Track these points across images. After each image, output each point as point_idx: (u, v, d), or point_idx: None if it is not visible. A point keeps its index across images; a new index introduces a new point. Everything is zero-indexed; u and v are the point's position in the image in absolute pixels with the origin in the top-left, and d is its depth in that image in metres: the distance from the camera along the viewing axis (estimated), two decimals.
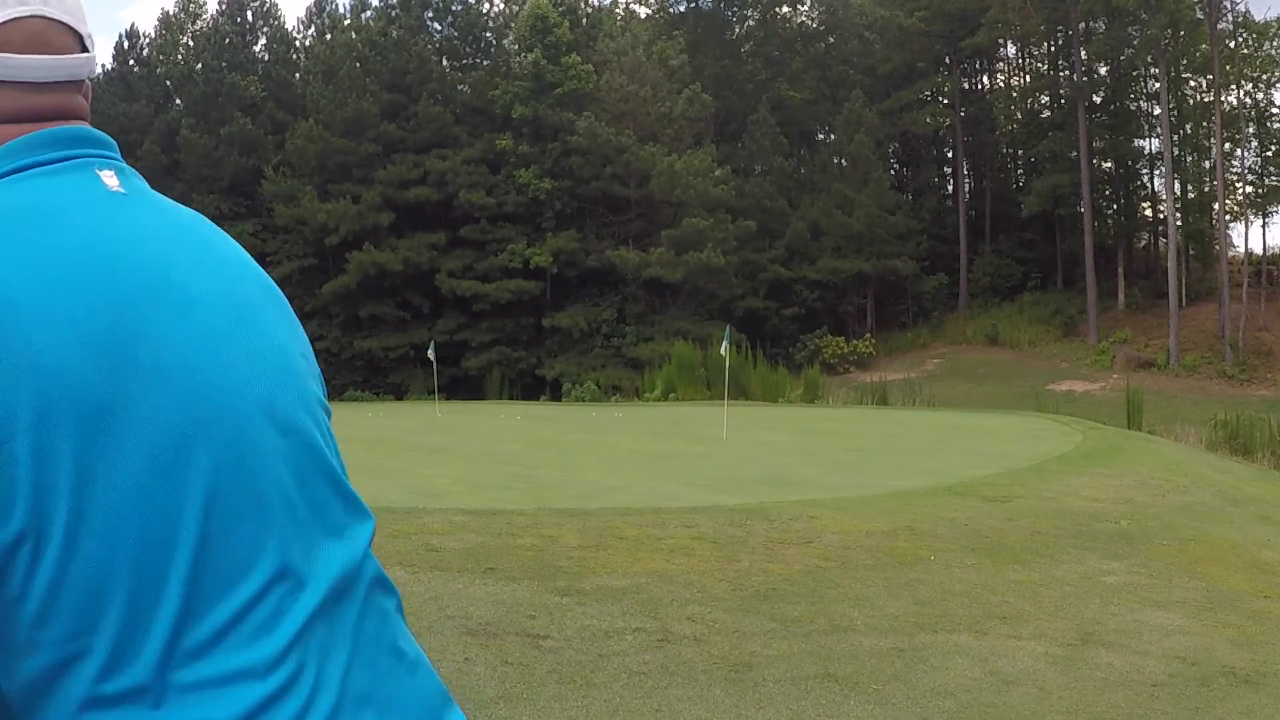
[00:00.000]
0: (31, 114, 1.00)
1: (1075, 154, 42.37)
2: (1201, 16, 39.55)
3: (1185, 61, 42.85)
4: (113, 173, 1.00)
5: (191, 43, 49.19)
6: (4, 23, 0.98)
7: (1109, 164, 45.83)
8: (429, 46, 44.98)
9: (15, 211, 0.91)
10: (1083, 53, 43.23)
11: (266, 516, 0.89)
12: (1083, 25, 43.62)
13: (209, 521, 0.86)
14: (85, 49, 1.07)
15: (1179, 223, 40.58)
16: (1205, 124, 43.48)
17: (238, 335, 0.95)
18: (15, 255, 0.86)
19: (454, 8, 46.58)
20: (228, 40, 46.88)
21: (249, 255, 1.07)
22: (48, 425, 0.81)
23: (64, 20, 1.05)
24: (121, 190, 0.98)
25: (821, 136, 51.77)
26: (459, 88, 44.91)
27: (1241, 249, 46.64)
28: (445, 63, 45.99)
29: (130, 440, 0.83)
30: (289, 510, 0.91)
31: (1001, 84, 53.61)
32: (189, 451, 0.86)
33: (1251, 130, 43.11)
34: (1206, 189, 44.40)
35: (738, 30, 51.65)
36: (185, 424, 0.87)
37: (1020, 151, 51.38)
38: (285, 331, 1.02)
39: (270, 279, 1.08)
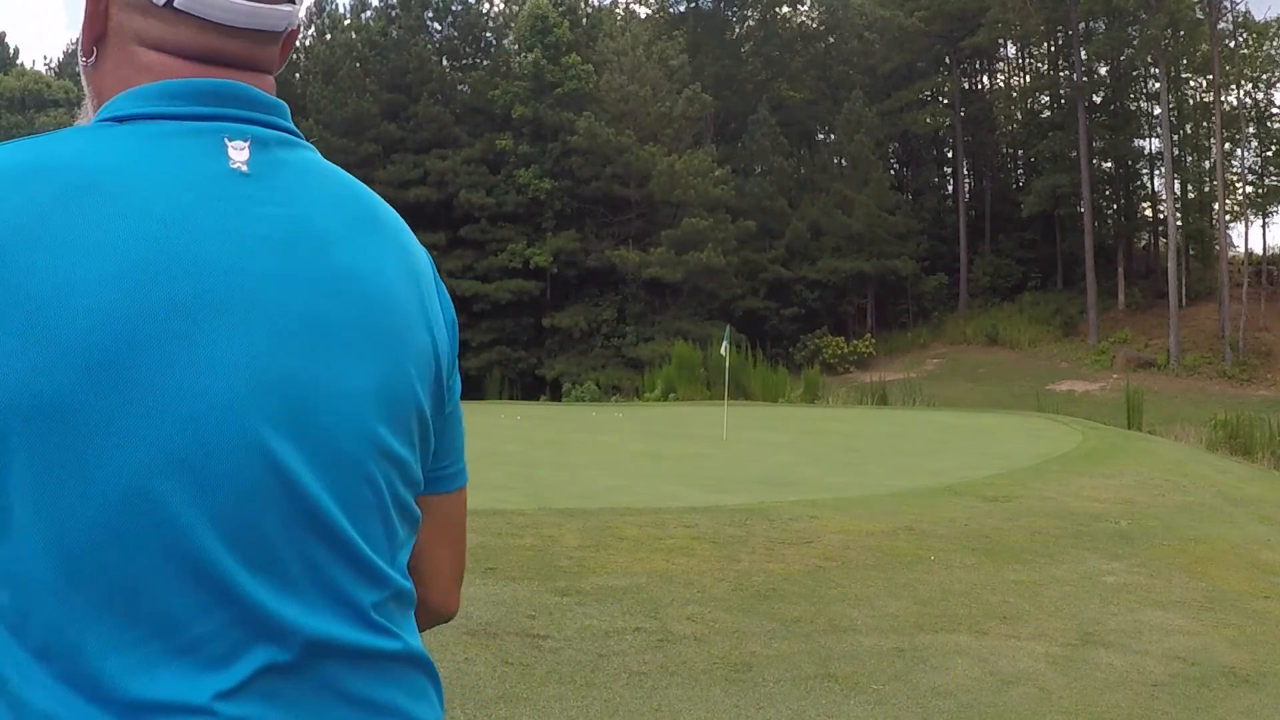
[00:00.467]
0: (204, 54, 0.91)
1: (1075, 154, 42.37)
2: (1201, 16, 39.54)
3: (1185, 61, 42.84)
4: (247, 143, 0.90)
5: None
6: None
7: (1109, 164, 45.83)
8: (429, 46, 44.98)
9: (84, 175, 0.82)
10: (1083, 53, 43.22)
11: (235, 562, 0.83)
12: (1083, 25, 43.61)
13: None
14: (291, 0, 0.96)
15: (1179, 223, 40.58)
16: (1205, 124, 43.48)
17: (273, 368, 0.85)
18: (56, 233, 0.79)
19: (454, 8, 46.57)
20: None
21: (406, 261, 0.98)
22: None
23: None
24: (245, 168, 0.89)
25: (821, 136, 51.76)
26: (459, 88, 44.92)
27: (1241, 249, 46.75)
28: (445, 63, 45.99)
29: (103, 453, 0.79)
30: (269, 558, 0.85)
31: (1001, 84, 53.61)
32: (168, 478, 0.80)
33: (1251, 130, 43.11)
34: (1206, 189, 44.40)
35: (738, 30, 51.65)
36: (172, 449, 0.80)
37: (1020, 151, 51.36)
38: (364, 367, 0.90)
39: (389, 288, 0.94)
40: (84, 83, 0.98)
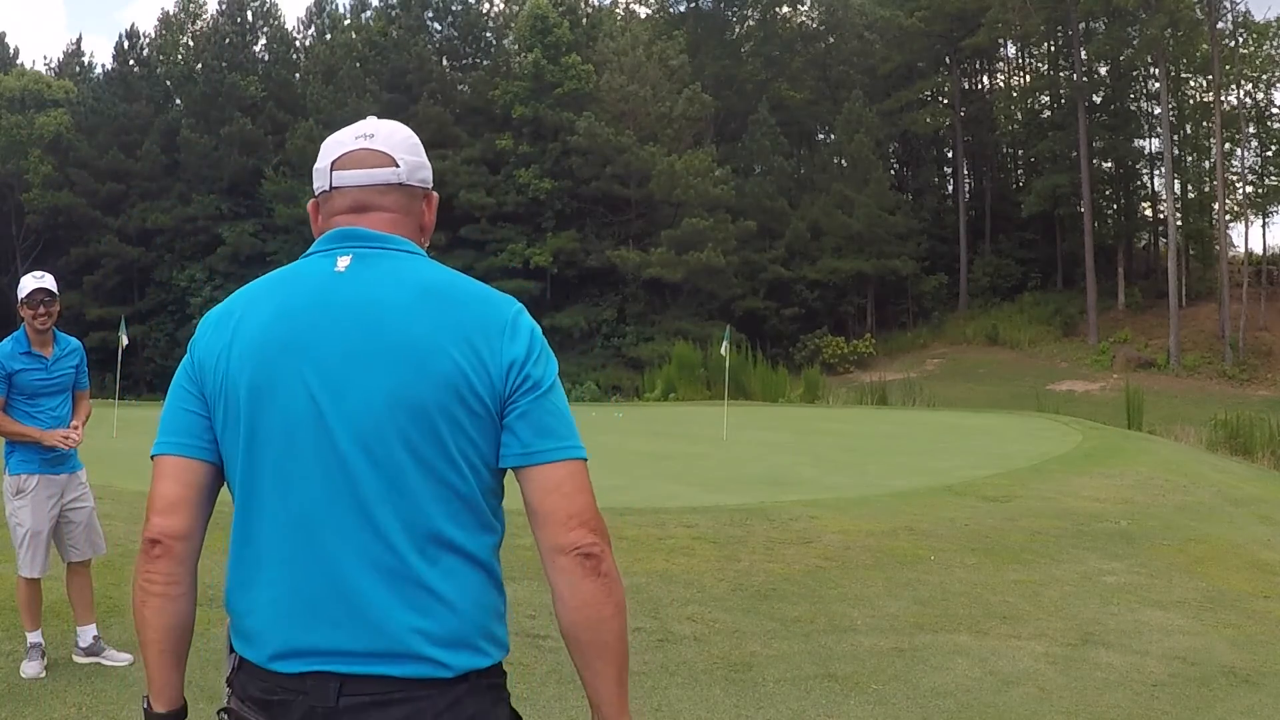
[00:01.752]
0: (340, 210, 1.65)
1: (1075, 154, 42.36)
2: (1201, 16, 39.52)
3: (1185, 61, 42.82)
4: (349, 258, 1.59)
5: (191, 43, 49.17)
6: (342, 155, 1.63)
7: (1109, 164, 45.81)
8: (429, 46, 44.96)
9: (278, 275, 1.63)
10: (1083, 53, 43.21)
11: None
12: (1083, 25, 43.60)
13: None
14: (386, 164, 1.64)
15: (1179, 223, 40.57)
16: (1205, 124, 43.46)
17: (324, 381, 1.51)
18: (259, 297, 1.60)
19: (454, 8, 46.56)
20: (228, 40, 46.86)
21: (423, 323, 1.52)
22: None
23: (379, 149, 1.63)
24: (342, 270, 1.57)
25: (821, 136, 51.74)
26: (459, 88, 44.90)
27: (1241, 249, 46.69)
28: (445, 63, 45.98)
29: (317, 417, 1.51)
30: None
31: (1001, 84, 53.59)
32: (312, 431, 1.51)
33: (1251, 130, 43.08)
34: (1206, 189, 44.38)
35: (738, 30, 51.63)
36: (309, 414, 1.52)
37: (1020, 151, 51.35)
38: (361, 384, 1.50)
39: (415, 337, 1.51)
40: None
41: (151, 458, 1.60)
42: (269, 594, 1.52)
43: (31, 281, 4.53)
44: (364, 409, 1.47)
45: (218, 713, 1.59)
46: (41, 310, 4.50)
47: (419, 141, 1.70)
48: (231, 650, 1.59)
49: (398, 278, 1.54)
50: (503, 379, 1.51)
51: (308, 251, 1.63)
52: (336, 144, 1.64)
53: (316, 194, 1.66)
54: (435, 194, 1.71)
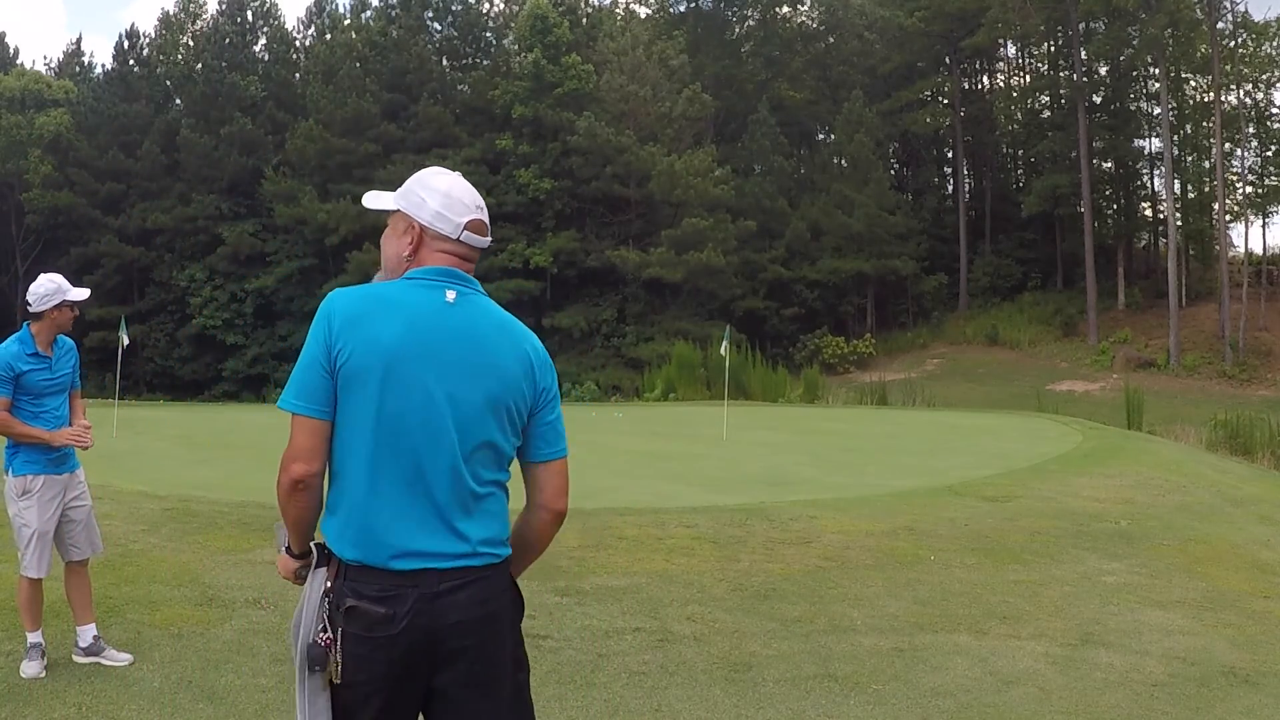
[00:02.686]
0: (456, 254, 2.37)
1: (1075, 154, 42.35)
2: (1201, 16, 39.52)
3: (1185, 61, 42.80)
4: (455, 293, 2.31)
5: (191, 43, 49.19)
6: (471, 220, 2.37)
7: (1109, 164, 45.81)
8: (429, 46, 44.96)
9: (399, 291, 2.29)
10: (1083, 53, 43.20)
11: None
12: (1083, 25, 43.59)
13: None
14: (488, 235, 2.43)
15: (1179, 223, 40.56)
16: (1205, 124, 43.45)
17: (441, 379, 2.23)
18: (388, 306, 2.26)
19: (454, 8, 46.56)
20: (228, 40, 46.86)
21: (502, 339, 2.34)
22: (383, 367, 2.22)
23: (486, 222, 2.43)
24: (451, 301, 2.30)
25: (821, 136, 51.74)
26: (459, 88, 44.90)
27: (1241, 249, 46.68)
28: (445, 63, 45.98)
29: (426, 402, 2.22)
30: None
31: (1001, 84, 53.59)
32: (424, 408, 2.24)
33: (1251, 130, 43.07)
34: (1206, 189, 44.38)
35: (738, 30, 51.63)
36: (424, 399, 2.24)
37: (1020, 151, 51.35)
38: (468, 386, 2.25)
39: (504, 349, 2.33)
40: (384, 253, 2.42)
41: (291, 413, 2.23)
42: (389, 513, 2.21)
43: (76, 293, 4.61)
44: (467, 405, 2.25)
45: (336, 609, 2.22)
46: (73, 314, 4.62)
47: (444, 191, 2.41)
48: (333, 561, 2.26)
49: (485, 312, 2.34)
50: (536, 398, 2.36)
51: (413, 274, 2.32)
52: (462, 205, 2.37)
53: (434, 230, 2.34)
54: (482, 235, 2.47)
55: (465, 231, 2.35)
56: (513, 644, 2.34)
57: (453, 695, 2.24)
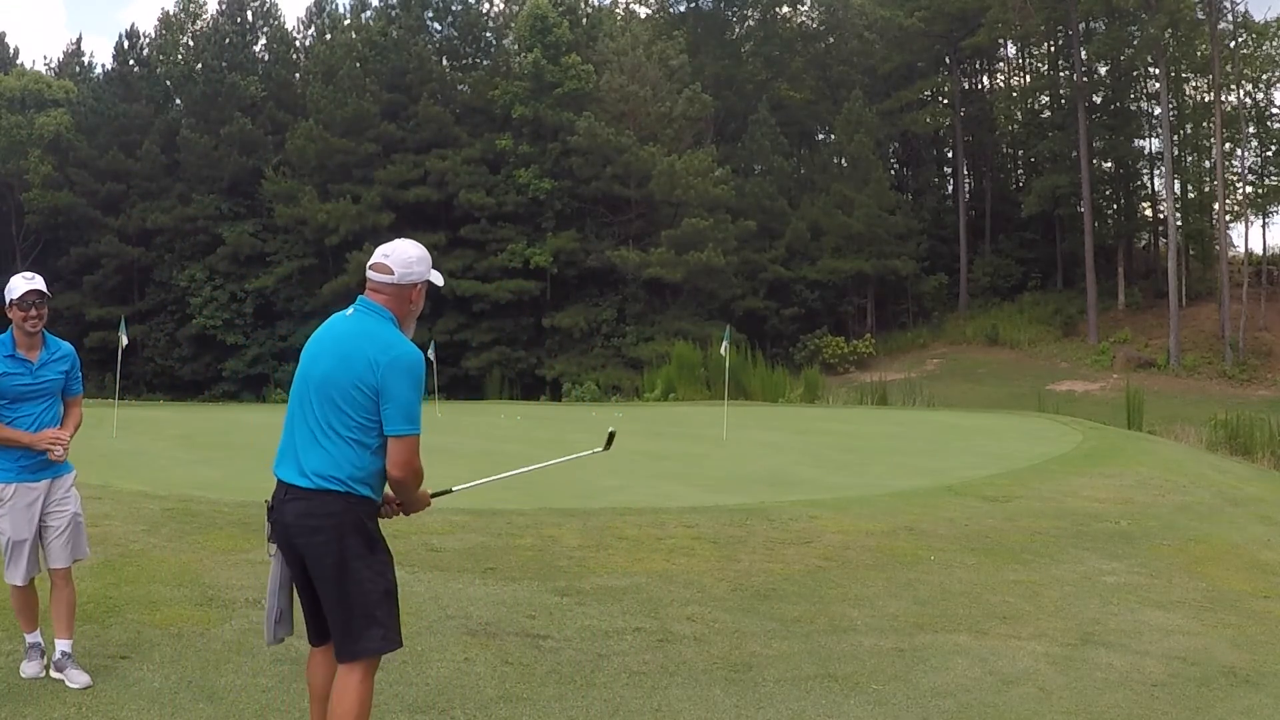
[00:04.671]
0: (366, 289, 3.49)
1: (1075, 154, 42.35)
2: (1202, 16, 39.51)
3: (1185, 61, 42.80)
4: (352, 310, 3.46)
5: (191, 43, 49.15)
6: (373, 263, 3.50)
7: (1109, 164, 45.80)
8: (429, 46, 44.94)
9: (329, 319, 3.58)
10: (1083, 53, 43.20)
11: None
12: (1083, 25, 43.59)
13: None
14: (386, 273, 3.44)
15: (1179, 223, 40.56)
16: (1205, 124, 43.44)
17: (317, 362, 3.41)
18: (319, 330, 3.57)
19: (454, 8, 46.55)
20: (228, 40, 46.84)
21: (358, 342, 3.34)
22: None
23: (384, 262, 3.47)
24: (348, 316, 3.46)
25: (821, 136, 51.74)
26: (459, 88, 44.89)
27: (1241, 249, 46.68)
28: (445, 63, 45.96)
29: (306, 376, 3.45)
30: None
31: (1001, 84, 53.58)
32: (305, 380, 3.43)
33: (1251, 130, 43.07)
34: (1206, 189, 44.38)
35: (738, 30, 51.62)
36: (305, 373, 3.44)
37: (1020, 151, 51.35)
38: (329, 367, 3.35)
39: (356, 347, 3.33)
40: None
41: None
42: (283, 446, 3.44)
43: (22, 283, 4.38)
44: (325, 380, 3.35)
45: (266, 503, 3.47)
46: (33, 312, 4.36)
47: (418, 255, 3.47)
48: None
49: (359, 324, 3.40)
50: (377, 387, 3.30)
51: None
52: (377, 253, 3.47)
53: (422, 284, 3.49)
54: (415, 281, 3.46)
55: (369, 271, 3.45)
56: (339, 553, 3.28)
57: (310, 575, 3.38)
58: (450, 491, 4.01)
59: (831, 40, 51.66)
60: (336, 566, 3.27)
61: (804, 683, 4.87)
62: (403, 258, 3.40)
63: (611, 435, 4.38)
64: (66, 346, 4.61)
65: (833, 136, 48.56)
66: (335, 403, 3.27)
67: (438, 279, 3.52)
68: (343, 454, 3.27)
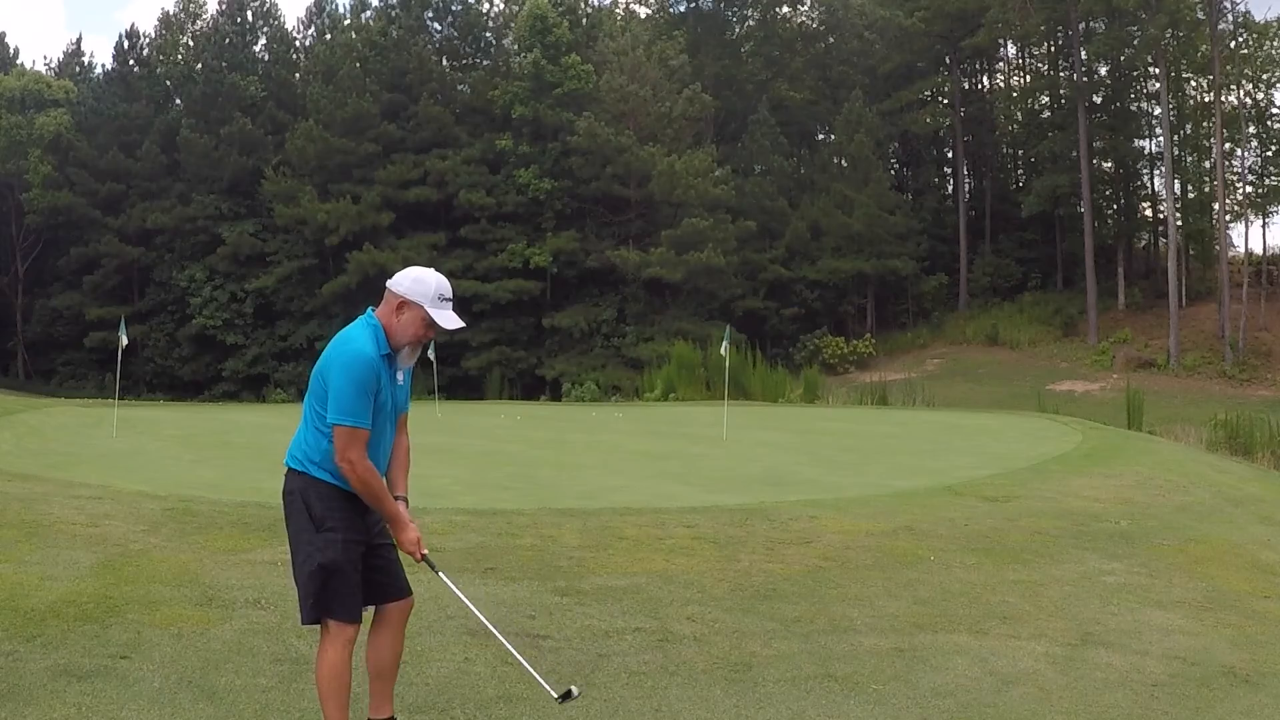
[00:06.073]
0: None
1: (1075, 154, 42.35)
2: (1202, 16, 39.51)
3: (1185, 61, 42.80)
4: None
5: (191, 43, 49.18)
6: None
7: (1109, 164, 45.80)
8: (429, 46, 44.95)
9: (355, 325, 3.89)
10: (1083, 53, 43.20)
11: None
12: (1083, 25, 43.58)
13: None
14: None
15: (1179, 223, 40.56)
16: (1205, 124, 43.46)
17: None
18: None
19: (454, 8, 46.56)
20: (228, 40, 46.85)
21: (336, 346, 3.69)
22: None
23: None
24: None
25: (821, 136, 51.74)
26: (459, 88, 44.90)
27: (1241, 249, 46.70)
28: (445, 63, 45.97)
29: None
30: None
31: (1001, 84, 53.60)
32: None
33: (1251, 130, 43.07)
34: (1206, 189, 44.37)
35: (738, 30, 51.62)
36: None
37: (1020, 151, 51.35)
38: (321, 370, 3.70)
39: (333, 354, 3.68)
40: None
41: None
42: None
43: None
44: (311, 377, 3.78)
45: None
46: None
47: (416, 275, 3.74)
48: None
49: (343, 329, 3.80)
50: (322, 380, 3.70)
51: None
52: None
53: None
54: (399, 297, 3.70)
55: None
56: (294, 524, 3.71)
57: None
58: (433, 568, 4.03)
59: (831, 40, 51.67)
60: (291, 536, 3.72)
61: (804, 683, 4.87)
62: (405, 273, 3.73)
63: (568, 693, 3.98)
64: None
65: (833, 136, 48.57)
66: (311, 392, 3.70)
67: (446, 323, 3.69)
68: (306, 437, 3.69)
